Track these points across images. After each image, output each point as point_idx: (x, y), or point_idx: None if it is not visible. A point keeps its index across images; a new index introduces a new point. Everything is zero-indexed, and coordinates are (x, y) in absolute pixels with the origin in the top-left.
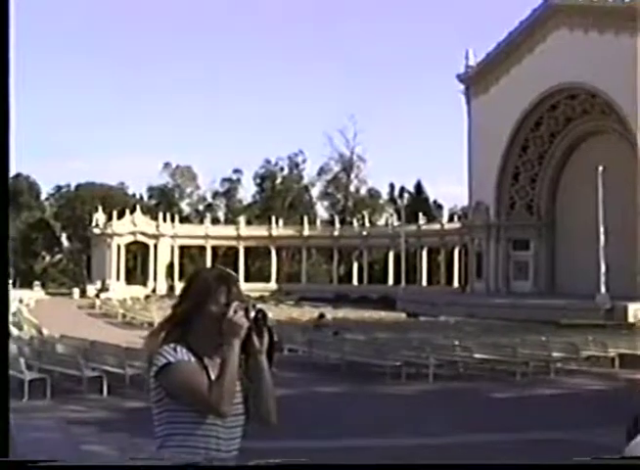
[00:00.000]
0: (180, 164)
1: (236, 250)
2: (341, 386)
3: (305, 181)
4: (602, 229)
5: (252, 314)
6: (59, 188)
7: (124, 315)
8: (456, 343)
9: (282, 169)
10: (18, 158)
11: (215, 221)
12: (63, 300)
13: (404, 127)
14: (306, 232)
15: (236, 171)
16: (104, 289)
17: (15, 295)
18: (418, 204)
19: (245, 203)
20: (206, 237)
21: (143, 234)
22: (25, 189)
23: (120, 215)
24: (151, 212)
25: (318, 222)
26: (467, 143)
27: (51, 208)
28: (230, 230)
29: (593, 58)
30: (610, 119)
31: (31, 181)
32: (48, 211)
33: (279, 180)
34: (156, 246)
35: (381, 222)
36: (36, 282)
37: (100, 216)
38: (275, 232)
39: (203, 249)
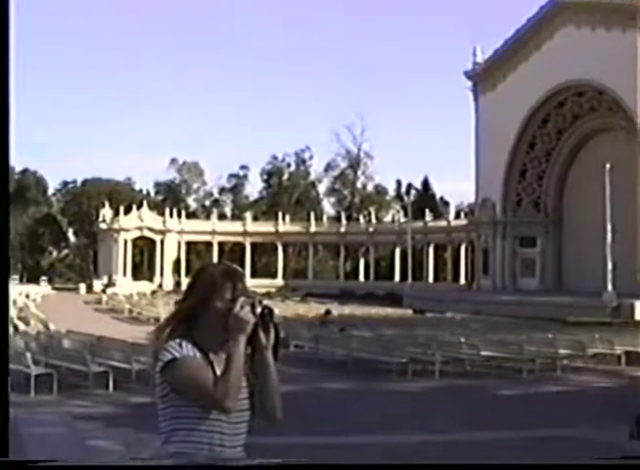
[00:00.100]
0: (187, 160)
1: (242, 246)
2: (347, 382)
3: (312, 177)
4: (609, 227)
5: (259, 310)
6: (66, 183)
7: (131, 311)
8: (462, 340)
9: (289, 166)
10: (25, 153)
11: (222, 217)
12: (69, 295)
13: (411, 124)
14: (313, 228)
15: (243, 167)
16: (110, 284)
17: (21, 290)
18: (425, 200)
19: (251, 199)
20: (213, 233)
21: (150, 230)
22: (32, 184)
23: (127, 211)
24: (157, 208)
25: (325, 219)
26: (474, 140)
27: (58, 203)
28: (237, 226)
29: (600, 55)
30: (617, 117)
31: (38, 176)
32: (55, 207)
33: (286, 176)
34: (162, 241)
35: (387, 219)
36: (43, 277)
37: (107, 212)
38: (282, 228)
39: (209, 244)
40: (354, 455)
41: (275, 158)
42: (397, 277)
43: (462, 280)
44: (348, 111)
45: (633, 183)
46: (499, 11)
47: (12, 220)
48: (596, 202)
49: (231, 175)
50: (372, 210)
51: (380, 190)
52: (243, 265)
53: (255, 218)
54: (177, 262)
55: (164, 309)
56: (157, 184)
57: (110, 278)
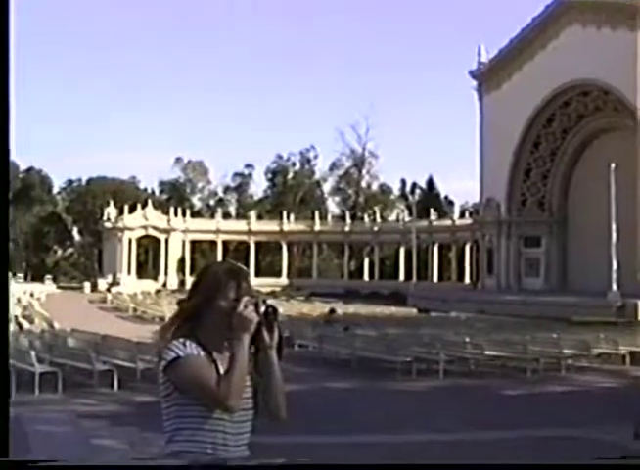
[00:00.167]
0: (192, 159)
1: (247, 245)
2: (351, 381)
3: (317, 176)
4: (614, 226)
5: (263, 309)
6: (70, 182)
7: (135, 310)
8: (467, 339)
9: (293, 165)
10: (30, 152)
11: (226, 216)
12: (74, 293)
13: (416, 123)
14: (317, 227)
15: (247, 166)
16: (115, 283)
17: (26, 288)
18: (429, 200)
19: (256, 198)
20: (218, 232)
21: (154, 228)
22: (37, 183)
23: (132, 210)
24: (162, 207)
25: (329, 218)
26: (479, 139)
27: (63, 201)
28: (241, 225)
29: (606, 54)
30: (622, 116)
31: (43, 175)
32: (60, 205)
33: (290, 175)
34: (167, 240)
35: (392, 218)
36: (48, 276)
37: (111, 210)
38: (286, 227)
39: (214, 243)
40: (358, 454)
41: (280, 157)
42: (402, 276)
43: (466, 280)
44: (353, 110)
45: (638, 183)
46: (504, 10)
47: (17, 219)
48: (601, 201)
49: (236, 174)
50: (376, 209)
51: (384, 189)
52: (247, 264)
53: (260, 217)
54: (182, 261)
55: (169, 308)
56: (161, 183)
57: (114, 277)
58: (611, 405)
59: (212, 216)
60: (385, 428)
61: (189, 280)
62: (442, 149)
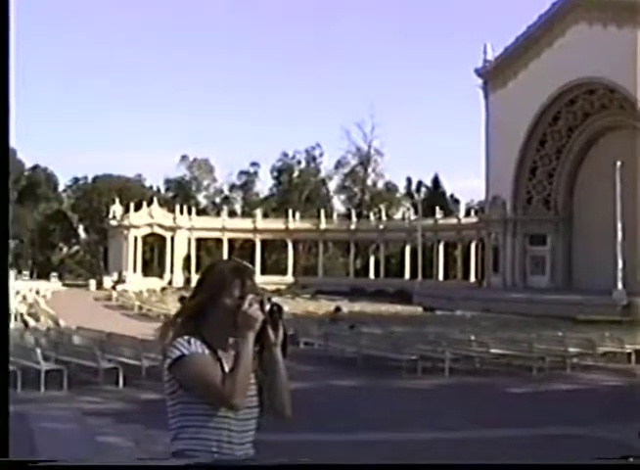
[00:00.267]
0: (197, 157)
1: (252, 242)
2: (357, 379)
3: (322, 175)
4: (619, 225)
5: (268, 307)
6: (76, 180)
7: (141, 307)
8: (472, 337)
9: (299, 163)
10: (36, 150)
11: (232, 214)
12: (79, 291)
13: (422, 121)
14: (323, 225)
15: (253, 164)
16: (120, 281)
17: (32, 286)
18: (435, 198)
19: (262, 196)
20: (223, 230)
21: (160, 226)
22: (43, 181)
23: (137, 207)
24: (168, 205)
25: (335, 216)
26: (484, 137)
27: (68, 199)
28: (247, 223)
29: (612, 52)
30: (628, 115)
31: (49, 173)
32: (65, 203)
33: (296, 173)
34: (172, 238)
35: (398, 216)
36: (53, 273)
37: (117, 208)
38: (292, 225)
39: (219, 241)
40: (363, 453)
41: (285, 155)
42: (407, 275)
43: (472, 278)
44: (359, 108)
45: None
46: (510, 8)
47: (23, 217)
48: (606, 199)
49: (241, 172)
50: (382, 207)
51: (390, 187)
52: (253, 262)
53: (266, 215)
54: (187, 259)
55: (174, 306)
56: (167, 181)
57: (120, 275)
58: (616, 404)
59: (218, 214)
60: (390, 426)
61: (194, 278)
62: (448, 147)
